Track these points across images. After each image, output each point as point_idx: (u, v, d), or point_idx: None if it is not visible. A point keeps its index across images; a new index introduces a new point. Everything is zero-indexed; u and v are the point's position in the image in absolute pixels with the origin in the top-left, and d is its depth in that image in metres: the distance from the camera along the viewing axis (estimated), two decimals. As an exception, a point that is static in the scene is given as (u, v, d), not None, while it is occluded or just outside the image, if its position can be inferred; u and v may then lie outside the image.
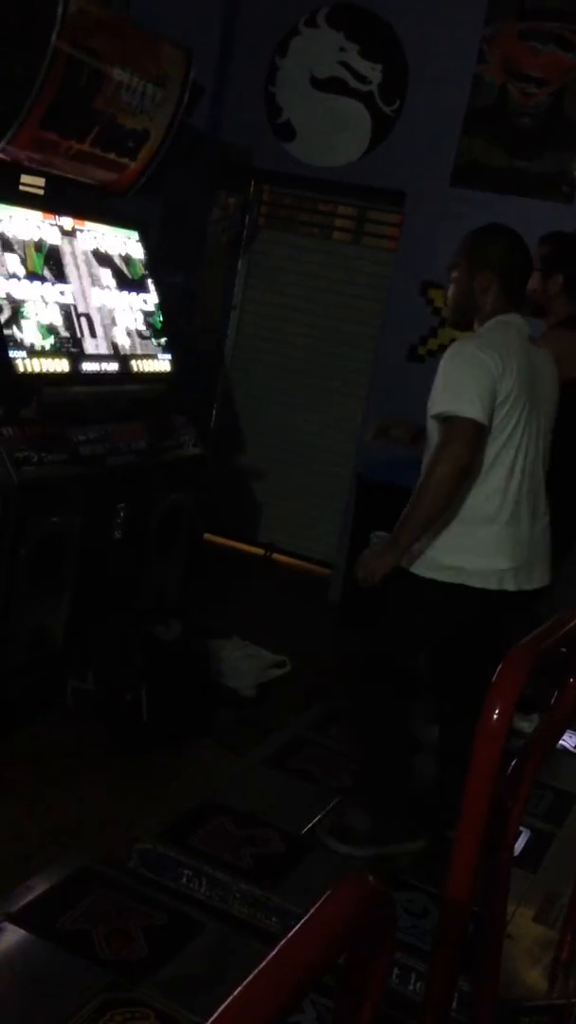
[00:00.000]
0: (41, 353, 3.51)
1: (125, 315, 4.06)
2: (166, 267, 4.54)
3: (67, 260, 3.79)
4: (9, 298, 3.43)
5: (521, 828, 2.95)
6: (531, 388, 2.69)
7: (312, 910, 0.89)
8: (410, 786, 2.87)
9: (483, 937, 1.92)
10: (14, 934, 2.32)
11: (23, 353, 3.42)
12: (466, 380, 2.59)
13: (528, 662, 1.63)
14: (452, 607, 2.72)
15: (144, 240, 4.32)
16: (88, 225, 3.98)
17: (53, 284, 3.67)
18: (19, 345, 3.41)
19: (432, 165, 5.02)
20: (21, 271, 3.53)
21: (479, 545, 2.68)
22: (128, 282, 4.15)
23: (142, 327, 4.16)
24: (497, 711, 1.55)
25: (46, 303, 3.60)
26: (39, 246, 3.65)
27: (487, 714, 1.56)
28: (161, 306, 4.29)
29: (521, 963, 2.50)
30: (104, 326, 3.91)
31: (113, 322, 3.97)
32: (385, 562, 2.64)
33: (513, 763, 1.84)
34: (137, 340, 4.10)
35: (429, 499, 2.60)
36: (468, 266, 2.78)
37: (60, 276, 3.72)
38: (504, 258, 2.76)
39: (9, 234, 3.52)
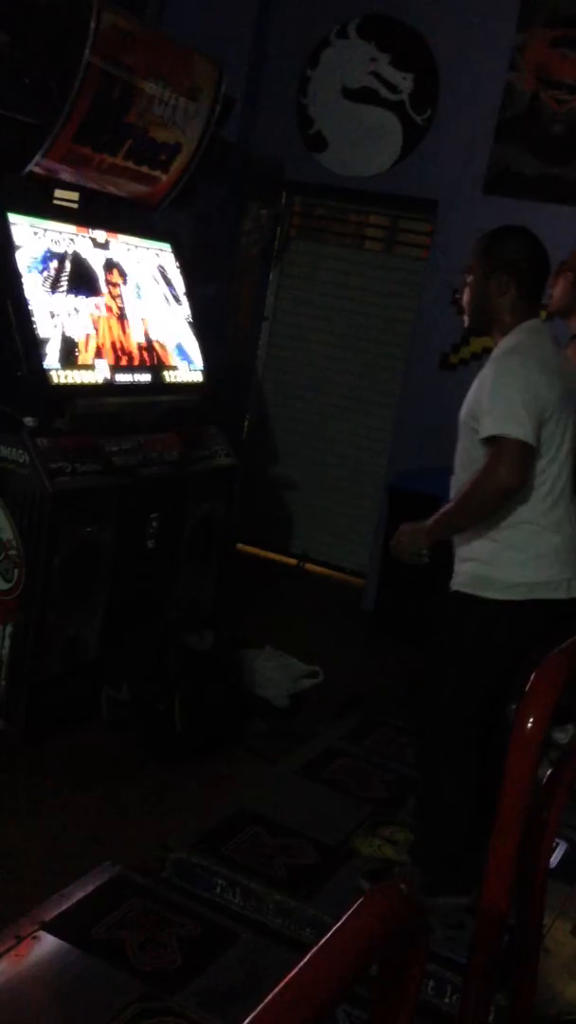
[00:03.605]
0: (74, 364, 3.54)
1: (158, 326, 4.08)
2: (198, 278, 4.56)
3: (100, 273, 3.82)
4: (42, 310, 3.45)
5: (557, 840, 2.91)
6: (568, 397, 2.66)
7: (342, 919, 0.89)
8: (467, 839, 2.72)
9: (519, 950, 1.90)
10: (49, 943, 2.33)
11: (56, 364, 3.45)
12: (514, 399, 2.51)
13: (562, 673, 1.62)
14: (525, 624, 2.64)
15: (176, 252, 4.34)
16: (121, 238, 4.01)
17: (86, 296, 3.70)
18: (52, 357, 3.44)
19: (464, 174, 5.01)
20: (54, 284, 3.56)
21: (546, 556, 2.62)
22: (161, 294, 4.17)
23: (175, 338, 4.18)
24: (531, 721, 1.54)
25: (79, 315, 3.63)
26: (73, 259, 3.68)
27: (521, 724, 1.55)
28: (193, 317, 4.31)
29: (558, 977, 2.47)
30: (137, 337, 3.93)
31: (146, 333, 4.00)
32: (417, 540, 2.71)
33: (548, 774, 1.83)
34: (170, 351, 4.13)
35: (468, 518, 2.62)
36: (483, 268, 2.71)
37: (93, 289, 3.75)
38: (520, 259, 2.67)
39: (43, 247, 3.56)
